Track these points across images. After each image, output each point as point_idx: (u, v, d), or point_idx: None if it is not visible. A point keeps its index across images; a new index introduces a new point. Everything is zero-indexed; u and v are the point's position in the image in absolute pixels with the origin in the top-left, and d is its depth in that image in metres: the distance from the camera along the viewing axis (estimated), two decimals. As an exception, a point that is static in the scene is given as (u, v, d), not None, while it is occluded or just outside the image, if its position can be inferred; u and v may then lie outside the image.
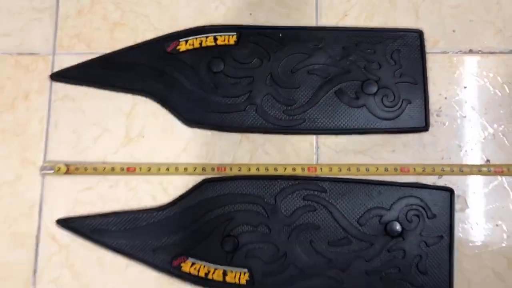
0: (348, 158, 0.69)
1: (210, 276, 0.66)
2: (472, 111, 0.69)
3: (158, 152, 0.70)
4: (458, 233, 0.66)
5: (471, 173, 0.67)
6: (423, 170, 0.68)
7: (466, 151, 0.68)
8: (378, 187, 0.67)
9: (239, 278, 0.66)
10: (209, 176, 0.69)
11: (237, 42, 0.71)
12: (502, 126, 0.69)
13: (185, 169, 0.69)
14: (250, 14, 0.73)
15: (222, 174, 0.69)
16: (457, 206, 0.67)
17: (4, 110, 0.71)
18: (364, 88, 0.69)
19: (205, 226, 0.67)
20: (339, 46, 0.71)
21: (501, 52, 0.71)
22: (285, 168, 0.69)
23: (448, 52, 0.71)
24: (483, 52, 0.71)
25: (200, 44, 0.71)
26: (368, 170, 0.68)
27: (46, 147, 0.71)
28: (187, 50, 0.71)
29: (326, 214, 0.67)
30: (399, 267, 0.65)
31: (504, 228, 0.66)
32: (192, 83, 0.70)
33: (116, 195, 0.69)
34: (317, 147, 0.70)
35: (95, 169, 0.69)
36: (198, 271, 0.66)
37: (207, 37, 0.72)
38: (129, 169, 0.69)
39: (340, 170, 0.68)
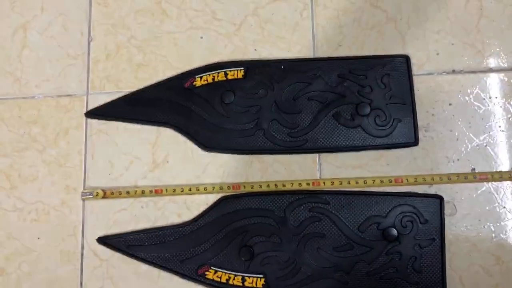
0: (348, 173, 0.76)
1: (231, 282, 0.73)
2: (457, 125, 0.76)
3: (181, 175, 0.78)
4: (449, 235, 0.72)
5: (458, 181, 0.73)
6: (415, 181, 0.74)
7: (453, 161, 0.75)
8: (375, 197, 0.73)
9: (256, 283, 0.73)
10: (226, 194, 0.76)
11: (244, 75, 0.78)
12: (486, 137, 0.75)
13: (205, 188, 0.76)
14: (255, 50, 0.80)
15: (237, 191, 0.76)
16: (447, 211, 0.73)
17: (49, 145, 0.80)
18: (359, 110, 0.75)
19: (224, 238, 0.74)
20: (335, 74, 0.77)
21: (481, 71, 0.77)
22: (292, 184, 0.75)
23: (433, 73, 0.77)
24: (465, 72, 0.77)
25: (213, 79, 0.78)
26: (366, 182, 0.75)
27: (85, 175, 0.79)
28: (202, 85, 0.78)
29: (330, 224, 0.73)
30: (397, 267, 0.71)
31: (492, 228, 0.73)
32: (207, 113, 0.77)
33: (147, 214, 0.77)
34: (320, 164, 0.77)
35: (127, 192, 0.77)
36: (220, 278, 0.73)
37: (218, 72, 0.79)
38: (157, 191, 0.77)
39: (341, 183, 0.75)
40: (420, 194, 0.73)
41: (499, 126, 0.75)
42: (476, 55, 0.77)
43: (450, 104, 0.76)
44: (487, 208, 0.73)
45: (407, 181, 0.74)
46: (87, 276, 0.77)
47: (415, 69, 0.77)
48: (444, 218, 0.72)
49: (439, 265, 0.71)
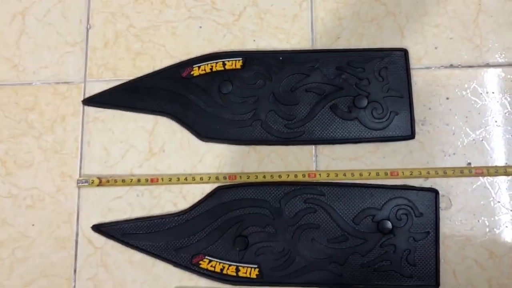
0: (344, 165, 0.76)
1: (225, 272, 0.73)
2: (454, 119, 0.76)
3: (177, 164, 0.78)
4: (443, 228, 0.73)
5: (454, 175, 0.74)
6: (411, 174, 0.74)
7: (449, 155, 0.75)
8: (370, 190, 0.74)
9: (250, 273, 0.73)
10: (222, 184, 0.76)
11: (243, 66, 0.78)
12: (482, 132, 0.75)
13: (201, 178, 0.76)
14: (254, 40, 0.81)
15: (233, 182, 0.76)
16: (441, 205, 0.73)
17: (45, 131, 0.80)
18: (356, 103, 0.75)
19: (220, 228, 0.74)
20: (333, 66, 0.77)
21: (478, 66, 0.77)
22: (288, 175, 0.76)
23: (431, 68, 0.78)
24: (462, 66, 0.77)
25: (211, 69, 0.78)
26: (361, 175, 0.75)
27: (81, 163, 0.79)
28: (200, 75, 0.78)
29: (325, 215, 0.74)
30: (391, 260, 0.72)
31: (486, 223, 0.73)
32: (205, 103, 0.77)
33: (142, 203, 0.77)
34: (316, 156, 0.77)
35: (123, 181, 0.77)
36: (214, 267, 0.73)
37: (216, 62, 0.79)
38: (153, 180, 0.77)
39: (337, 175, 0.75)
40: (416, 187, 0.74)
41: (496, 121, 0.75)
42: (474, 50, 0.78)
43: (447, 98, 0.77)
44: (482, 202, 0.74)
45: (403, 174, 0.74)
46: (81, 263, 0.77)
47: (413, 63, 0.78)
48: (439, 211, 0.72)
49: (433, 258, 0.71)
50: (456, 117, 0.76)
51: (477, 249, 0.72)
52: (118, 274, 0.76)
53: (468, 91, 0.77)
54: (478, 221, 0.73)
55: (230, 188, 0.76)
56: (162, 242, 0.75)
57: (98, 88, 0.81)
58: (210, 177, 0.77)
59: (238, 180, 0.76)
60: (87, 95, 0.81)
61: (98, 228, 0.77)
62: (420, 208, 0.73)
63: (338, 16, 0.80)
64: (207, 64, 0.79)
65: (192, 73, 0.79)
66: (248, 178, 0.76)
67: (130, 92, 0.80)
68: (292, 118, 0.77)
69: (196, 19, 0.82)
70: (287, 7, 0.81)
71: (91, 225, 0.77)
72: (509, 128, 0.75)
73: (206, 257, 0.74)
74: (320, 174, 0.76)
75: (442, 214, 0.73)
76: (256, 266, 0.73)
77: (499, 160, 0.75)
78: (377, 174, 0.75)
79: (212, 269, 0.74)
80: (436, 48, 0.78)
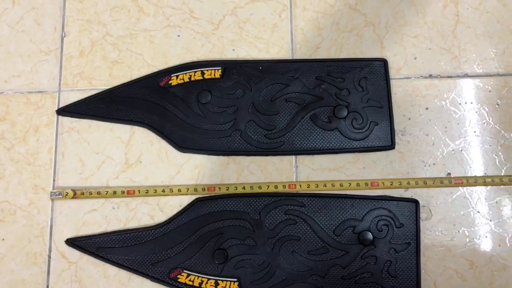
0: (324, 175, 0.75)
1: (203, 286, 0.71)
2: (433, 129, 0.76)
3: (154, 176, 0.76)
4: (424, 239, 0.72)
5: (434, 185, 0.74)
6: (391, 184, 0.74)
7: (429, 165, 0.75)
8: (351, 201, 0.73)
9: (230, 287, 0.71)
10: (201, 196, 0.75)
11: (222, 75, 0.77)
12: (461, 142, 0.76)
13: (179, 190, 0.75)
14: (233, 49, 0.80)
15: (212, 193, 0.75)
16: (422, 215, 0.73)
17: (17, 142, 0.77)
18: (336, 113, 0.75)
19: (198, 240, 0.73)
20: (313, 76, 0.77)
21: (457, 76, 0.77)
22: (268, 186, 0.75)
23: (410, 78, 0.78)
24: (441, 77, 0.78)
25: (189, 78, 0.77)
26: (342, 185, 0.74)
27: (55, 174, 0.77)
28: (178, 84, 0.77)
29: (306, 227, 0.73)
30: (372, 272, 0.71)
31: (466, 233, 0.73)
32: (183, 113, 0.76)
33: (118, 216, 0.75)
34: (296, 166, 0.76)
35: (98, 193, 0.75)
36: (193, 281, 0.72)
37: (195, 72, 0.77)
38: (129, 192, 0.75)
39: (317, 186, 0.74)
40: (396, 198, 0.73)
41: (474, 131, 0.76)
42: (453, 60, 0.78)
43: (426, 109, 0.77)
44: (461, 212, 0.74)
45: (383, 184, 0.74)
46: (54, 279, 0.74)
47: (392, 73, 0.78)
48: (419, 222, 0.72)
49: (414, 269, 0.71)
50: (435, 127, 0.76)
51: (457, 260, 0.72)
52: (92, 290, 0.73)
53: (447, 101, 0.77)
54: (458, 231, 0.73)
55: (209, 200, 0.74)
56: (139, 256, 0.73)
57: (73, 98, 0.79)
58: (188, 189, 0.75)
59: (217, 192, 0.75)
60: (61, 105, 0.79)
61: (72, 242, 0.74)
62: (401, 218, 0.72)
63: (318, 26, 0.80)
64: (186, 73, 0.78)
65: (170, 82, 0.78)
66: (227, 190, 0.75)
67: (106, 101, 0.78)
68: (272, 128, 0.76)
69: (174, 28, 0.81)
70: (266, 16, 0.81)
71: (65, 239, 0.74)
72: (488, 138, 0.75)
73: (184, 271, 0.72)
74: (300, 185, 0.75)
75: (423, 224, 0.73)
76: (235, 279, 0.72)
77: (478, 170, 0.75)
78: (358, 184, 0.74)
79: (191, 283, 0.72)
80: (415, 58, 0.78)
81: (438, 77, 0.78)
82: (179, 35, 0.80)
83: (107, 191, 0.75)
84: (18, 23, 0.82)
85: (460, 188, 0.74)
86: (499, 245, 0.72)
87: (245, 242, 0.73)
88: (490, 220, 0.73)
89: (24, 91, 0.80)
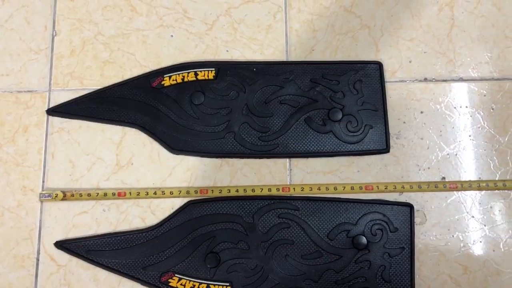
0: (318, 178, 0.75)
1: None
2: (428, 133, 0.76)
3: (146, 178, 0.75)
4: (418, 244, 0.72)
5: (428, 189, 0.73)
6: (385, 188, 0.74)
7: (423, 169, 0.75)
8: (345, 204, 0.72)
9: (222, 291, 0.71)
10: (193, 198, 0.73)
11: (215, 76, 0.76)
12: (456, 147, 0.75)
13: (171, 192, 0.74)
14: (227, 51, 0.79)
15: (204, 196, 0.74)
16: (416, 219, 0.73)
17: (6, 142, 0.76)
18: (330, 116, 0.74)
19: (190, 244, 0.72)
20: (307, 78, 0.76)
21: (452, 80, 0.77)
22: (262, 189, 0.74)
23: (405, 81, 0.77)
24: (436, 80, 0.77)
25: (183, 79, 0.76)
26: (336, 189, 0.74)
27: (44, 175, 0.75)
28: (171, 85, 0.76)
29: (299, 230, 0.72)
30: (366, 276, 0.70)
31: (461, 238, 0.73)
32: (176, 114, 0.75)
33: (109, 218, 0.74)
34: (290, 169, 0.75)
35: (89, 195, 0.74)
36: (184, 286, 0.71)
37: (188, 72, 0.76)
38: (120, 194, 0.74)
39: (311, 189, 0.74)
40: (390, 202, 0.73)
41: (469, 136, 0.75)
42: (448, 64, 0.78)
43: (421, 112, 0.76)
44: (456, 217, 0.73)
45: (378, 188, 0.73)
46: (42, 282, 0.73)
47: (387, 76, 0.77)
48: (414, 226, 0.71)
49: (408, 274, 0.70)
50: (430, 131, 0.76)
51: (451, 265, 0.72)
52: (82, 294, 0.72)
53: (442, 105, 0.76)
54: (453, 236, 0.73)
55: (201, 202, 0.73)
56: (129, 260, 0.72)
57: (63, 98, 0.77)
58: (180, 191, 0.74)
59: (209, 194, 0.74)
60: (51, 105, 0.77)
61: (62, 245, 0.73)
62: (395, 223, 0.72)
63: (313, 28, 0.79)
64: (179, 74, 0.77)
65: (162, 83, 0.77)
66: (220, 192, 0.74)
67: (97, 102, 0.77)
68: (266, 130, 0.75)
69: (167, 28, 0.80)
70: (261, 17, 0.80)
71: (54, 242, 0.73)
72: (482, 142, 0.75)
73: (176, 275, 0.71)
74: (294, 188, 0.74)
75: (417, 229, 0.72)
76: (228, 284, 0.71)
77: (473, 174, 0.74)
78: (352, 188, 0.74)
79: (182, 287, 0.71)
80: (410, 61, 0.78)
81: (433, 80, 0.77)
82: (172, 35, 0.79)
83: (98, 193, 0.74)
84: (8, 21, 0.80)
85: (454, 192, 0.74)
86: (493, 250, 0.72)
87: (238, 246, 0.72)
88: (485, 225, 0.73)
89: (13, 90, 0.78)
